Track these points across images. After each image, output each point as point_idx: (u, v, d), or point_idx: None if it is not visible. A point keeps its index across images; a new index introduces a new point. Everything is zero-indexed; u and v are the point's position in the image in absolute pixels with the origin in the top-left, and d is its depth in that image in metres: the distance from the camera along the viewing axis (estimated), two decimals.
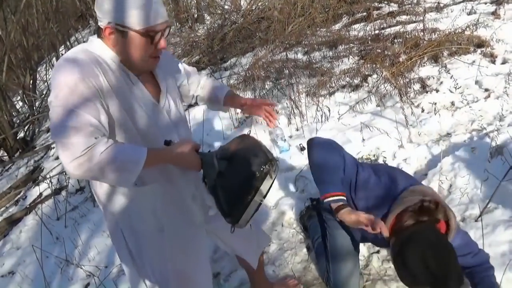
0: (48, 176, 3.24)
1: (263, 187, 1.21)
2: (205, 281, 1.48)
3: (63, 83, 1.05)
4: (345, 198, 1.41)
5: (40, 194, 3.15)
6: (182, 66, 1.49)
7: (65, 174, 3.14)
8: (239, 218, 1.23)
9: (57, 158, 3.65)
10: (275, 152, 2.82)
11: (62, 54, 8.28)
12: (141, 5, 1.08)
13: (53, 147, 3.87)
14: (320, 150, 1.51)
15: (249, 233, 1.57)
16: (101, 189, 1.30)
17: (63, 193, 3.09)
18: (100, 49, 1.15)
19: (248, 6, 5.82)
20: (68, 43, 8.95)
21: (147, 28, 1.11)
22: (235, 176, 1.22)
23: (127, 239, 1.35)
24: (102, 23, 1.12)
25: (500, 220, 1.84)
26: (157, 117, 1.26)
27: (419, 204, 1.34)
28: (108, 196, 1.30)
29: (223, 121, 3.41)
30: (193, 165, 1.22)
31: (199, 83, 1.54)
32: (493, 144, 2.25)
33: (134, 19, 1.09)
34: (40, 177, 3.41)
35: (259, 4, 5.70)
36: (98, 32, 1.17)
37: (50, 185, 3.03)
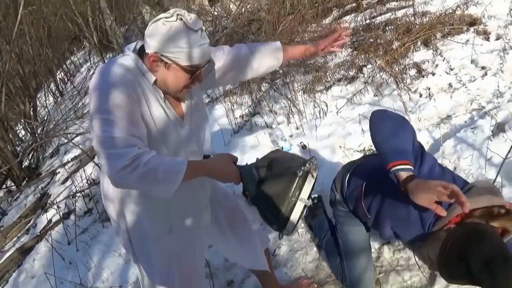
0: (55, 201, 3.26)
1: (306, 187, 1.20)
2: (203, 278, 1.59)
3: (105, 95, 1.09)
4: (411, 167, 1.23)
5: (49, 220, 3.17)
6: (220, 59, 1.43)
7: (72, 198, 3.16)
8: (286, 222, 1.20)
9: (63, 182, 3.68)
10: None
11: (60, 78, 8.31)
12: (192, 45, 1.14)
13: (58, 172, 3.90)
14: (393, 119, 1.37)
15: (250, 240, 1.60)
16: (113, 196, 1.35)
17: (72, 217, 3.11)
18: (137, 66, 1.20)
19: (238, 10, 5.83)
20: (64, 67, 9.04)
21: (192, 66, 1.17)
22: (276, 181, 1.22)
23: (133, 241, 1.40)
24: (148, 50, 1.17)
25: (508, 198, 1.81)
26: (180, 133, 1.31)
27: (503, 210, 1.17)
28: (120, 201, 1.35)
29: (223, 128, 3.41)
30: (232, 177, 1.23)
31: (251, 62, 1.48)
32: (494, 122, 2.22)
33: (182, 56, 1.15)
34: (48, 204, 3.43)
35: (248, 7, 5.71)
36: (140, 50, 1.23)
37: (57, 210, 3.04)
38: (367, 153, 2.58)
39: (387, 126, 1.34)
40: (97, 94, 1.10)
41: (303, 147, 2.77)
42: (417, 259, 1.75)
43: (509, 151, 1.81)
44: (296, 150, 2.80)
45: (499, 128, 2.17)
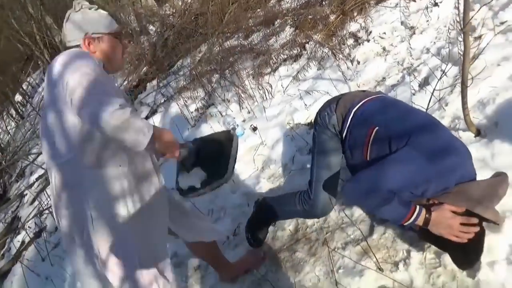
0: (25, 222, 3.28)
1: (235, 144, 1.52)
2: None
3: (86, 69, 1.25)
4: (417, 207, 1.35)
5: (23, 241, 3.19)
6: None
7: (40, 216, 3.19)
8: (225, 171, 1.46)
9: (31, 203, 3.68)
10: None
11: (19, 102, 8.10)
12: (106, 16, 1.48)
13: (26, 194, 3.90)
14: (360, 201, 1.51)
15: (198, 222, 1.71)
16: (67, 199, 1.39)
17: (44, 234, 3.14)
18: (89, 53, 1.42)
19: (183, 6, 5.84)
20: (21, 89, 8.85)
21: (115, 30, 1.48)
22: (212, 144, 1.53)
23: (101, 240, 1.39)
24: (79, 38, 1.42)
25: None
26: None
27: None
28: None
29: (179, 124, 3.47)
30: (174, 148, 1.33)
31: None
32: (420, 77, 2.37)
33: (105, 26, 1.45)
34: (19, 225, 3.44)
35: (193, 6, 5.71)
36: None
37: (26, 231, 3.07)
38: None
39: (370, 203, 1.41)
40: (74, 70, 1.24)
41: (254, 129, 2.87)
42: (359, 214, 1.88)
43: (429, 103, 1.96)
44: (248, 134, 2.90)
45: (425, 82, 2.32)
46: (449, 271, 1.44)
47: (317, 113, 1.76)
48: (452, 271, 1.44)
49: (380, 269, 1.56)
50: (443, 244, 1.40)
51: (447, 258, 1.47)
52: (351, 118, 1.59)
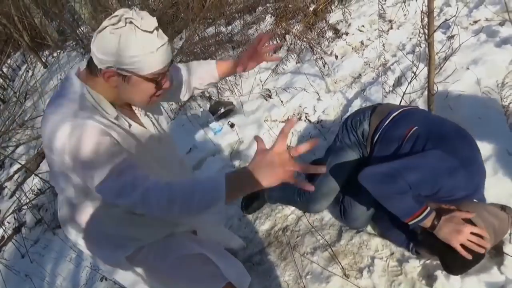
0: (4, 217, 3.27)
1: None
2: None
3: (84, 145, 0.97)
4: (429, 208, 1.36)
5: (2, 237, 3.19)
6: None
7: (19, 211, 3.18)
8: None
9: (11, 196, 3.67)
10: (210, 135, 2.89)
11: None
12: (150, 50, 1.00)
13: (5, 187, 3.87)
14: (375, 186, 1.43)
15: None
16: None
17: (24, 230, 3.15)
18: (86, 95, 1.06)
19: None
20: (1, 72, 8.62)
21: (153, 72, 1.04)
22: None
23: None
24: (101, 65, 1.02)
25: None
26: (152, 145, 1.21)
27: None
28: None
29: None
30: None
31: (187, 80, 1.42)
32: (394, 77, 2.38)
33: (141, 65, 1.01)
34: None
35: None
36: (89, 69, 1.07)
37: (4, 228, 3.07)
38: None
39: (384, 190, 1.40)
40: (70, 146, 0.97)
41: (231, 126, 2.87)
42: (329, 218, 1.92)
43: (400, 102, 1.97)
44: (226, 129, 2.90)
45: (398, 83, 2.33)
46: (409, 279, 1.50)
47: (346, 118, 1.80)
48: (412, 279, 1.50)
49: (346, 276, 1.62)
50: (440, 250, 1.37)
51: (408, 266, 1.53)
52: (388, 122, 1.61)
